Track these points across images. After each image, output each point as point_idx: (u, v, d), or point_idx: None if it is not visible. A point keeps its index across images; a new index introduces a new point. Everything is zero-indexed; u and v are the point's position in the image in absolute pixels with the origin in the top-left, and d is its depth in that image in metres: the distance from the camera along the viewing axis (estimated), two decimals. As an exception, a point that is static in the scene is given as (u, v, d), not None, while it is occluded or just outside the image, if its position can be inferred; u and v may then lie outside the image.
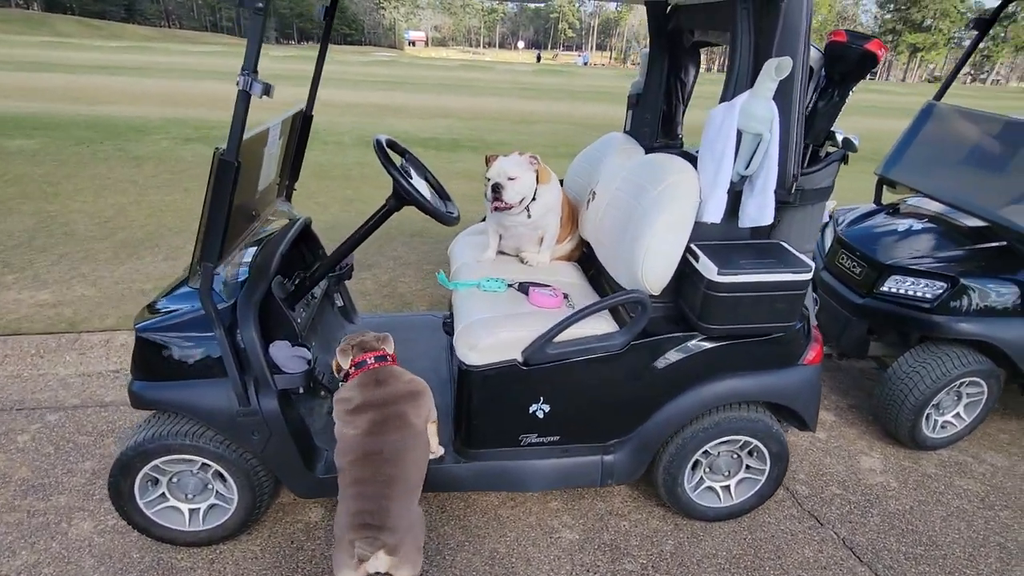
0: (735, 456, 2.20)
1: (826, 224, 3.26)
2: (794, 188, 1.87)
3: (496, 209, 2.29)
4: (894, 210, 3.19)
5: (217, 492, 2.05)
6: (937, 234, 2.84)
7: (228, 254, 1.91)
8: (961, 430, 2.68)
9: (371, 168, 7.04)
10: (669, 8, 2.38)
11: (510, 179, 2.25)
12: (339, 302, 2.89)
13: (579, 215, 2.51)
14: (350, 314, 2.94)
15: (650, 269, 1.87)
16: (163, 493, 2.04)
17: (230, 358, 1.81)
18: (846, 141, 1.97)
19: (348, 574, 1.59)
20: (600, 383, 1.97)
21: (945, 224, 2.92)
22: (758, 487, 2.21)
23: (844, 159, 2.03)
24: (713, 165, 1.82)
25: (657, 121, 2.59)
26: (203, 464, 1.99)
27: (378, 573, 1.61)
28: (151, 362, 1.90)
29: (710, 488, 2.23)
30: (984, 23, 3.16)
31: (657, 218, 1.85)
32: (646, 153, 2.41)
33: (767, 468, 2.17)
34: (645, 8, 2.48)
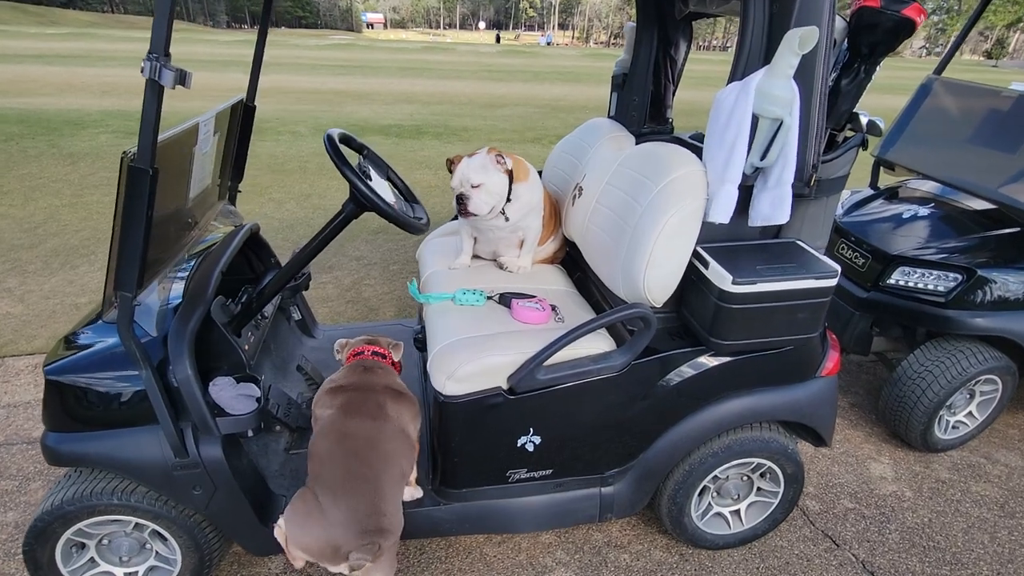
0: (745, 478, 1.99)
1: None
2: (813, 180, 1.64)
3: (462, 215, 2.02)
4: (892, 194, 3.02)
5: (157, 553, 1.75)
6: (944, 220, 2.66)
7: (152, 278, 1.59)
8: (973, 430, 2.53)
9: (329, 160, 6.65)
10: (659, -24, 2.12)
11: (474, 187, 1.97)
12: (296, 315, 2.58)
13: (562, 212, 2.24)
14: (310, 327, 2.63)
15: (653, 280, 1.63)
16: (92, 558, 1.73)
17: (160, 402, 1.51)
18: (871, 124, 1.75)
19: (297, 564, 1.50)
20: (597, 409, 1.73)
21: (950, 208, 2.75)
22: (770, 510, 2.01)
23: (863, 144, 1.80)
24: (723, 156, 1.57)
25: (646, 104, 2.33)
26: (137, 524, 1.68)
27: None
28: (66, 410, 1.58)
29: (718, 514, 2.02)
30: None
31: (661, 220, 1.60)
32: (637, 141, 2.15)
33: (780, 490, 1.97)
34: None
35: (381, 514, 1.47)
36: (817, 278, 1.59)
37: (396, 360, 1.82)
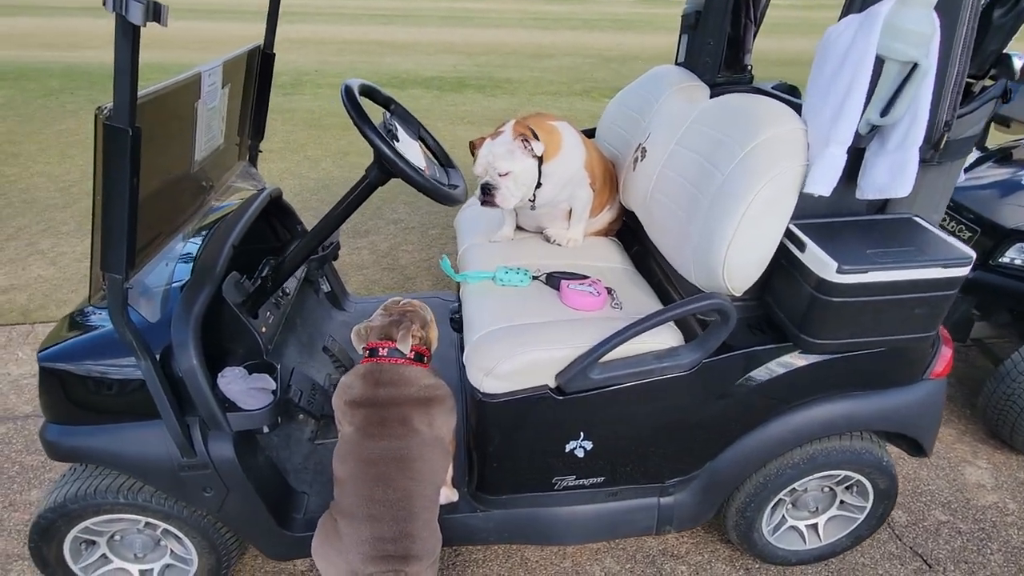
0: (827, 489, 1.72)
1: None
2: (943, 141, 1.30)
3: (484, 204, 1.78)
4: (1005, 156, 2.58)
5: (172, 552, 1.63)
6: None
7: (151, 255, 1.40)
8: (1092, 433, 2.18)
9: (369, 114, 6.37)
10: None
11: (502, 175, 1.69)
12: (324, 287, 2.39)
13: (621, 177, 1.95)
14: (340, 299, 2.44)
15: (735, 266, 1.34)
16: (103, 555, 1.61)
17: (162, 396, 1.34)
18: (1026, 71, 1.38)
19: None
20: (660, 412, 1.48)
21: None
22: (854, 526, 1.75)
23: (1004, 95, 1.44)
24: (830, 110, 1.25)
25: (722, 49, 1.97)
26: (148, 522, 1.55)
27: None
28: (63, 400, 1.43)
29: (793, 528, 1.76)
30: None
31: (748, 193, 1.30)
32: (712, 93, 1.82)
33: (868, 506, 1.70)
34: None
35: (410, 539, 1.28)
36: (944, 266, 1.27)
37: (424, 348, 1.51)
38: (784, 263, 1.39)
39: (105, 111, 1.08)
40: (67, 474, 1.52)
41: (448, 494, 1.59)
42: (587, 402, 1.44)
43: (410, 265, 3.35)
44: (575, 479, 1.56)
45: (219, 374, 1.43)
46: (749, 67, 2.08)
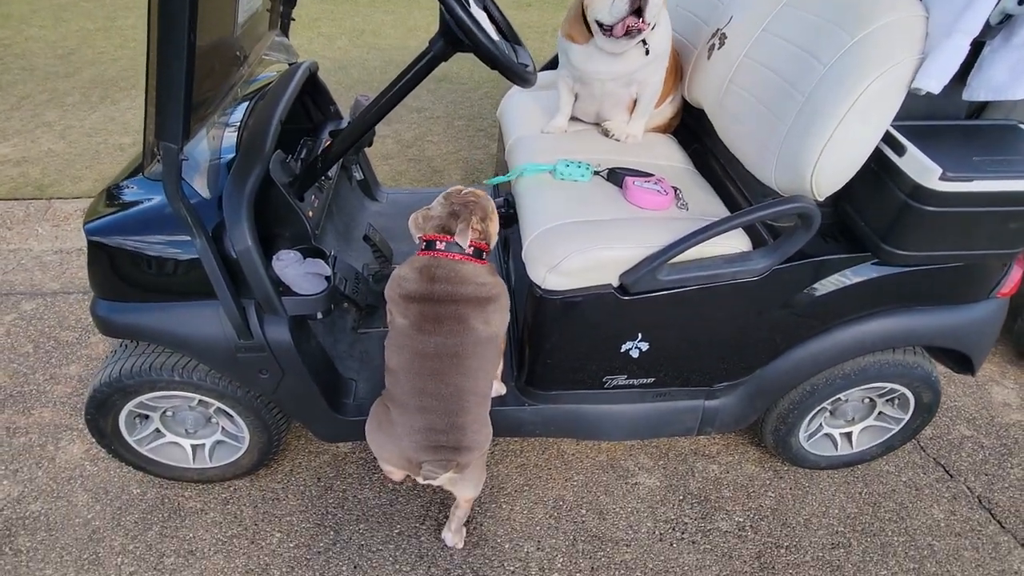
0: (867, 400, 1.74)
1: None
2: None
3: (623, 34, 1.50)
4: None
5: (223, 429, 1.66)
6: None
7: (198, 125, 1.30)
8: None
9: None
10: None
11: None
12: (358, 175, 2.29)
13: (687, 68, 1.80)
14: (372, 189, 2.35)
15: (828, 167, 1.25)
16: (157, 429, 1.64)
17: (219, 276, 1.30)
18: None
19: (395, 476, 1.42)
20: (721, 318, 1.45)
21: None
22: (887, 436, 1.79)
23: None
24: (960, -4, 1.12)
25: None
26: (201, 400, 1.56)
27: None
28: (112, 276, 1.39)
29: (827, 435, 1.81)
30: None
31: (856, 87, 1.19)
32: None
33: (907, 418, 1.73)
34: None
35: (461, 431, 1.29)
36: (1053, 179, 1.20)
37: (483, 243, 1.43)
38: (874, 167, 1.30)
39: None
40: (120, 349, 1.50)
41: (497, 387, 1.60)
42: (649, 303, 1.40)
43: (436, 157, 3.21)
44: (626, 379, 1.56)
45: (274, 257, 1.38)
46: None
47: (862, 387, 1.63)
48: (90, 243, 1.35)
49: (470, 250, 1.38)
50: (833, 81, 1.23)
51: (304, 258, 1.43)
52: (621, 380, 1.57)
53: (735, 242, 1.40)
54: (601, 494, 1.78)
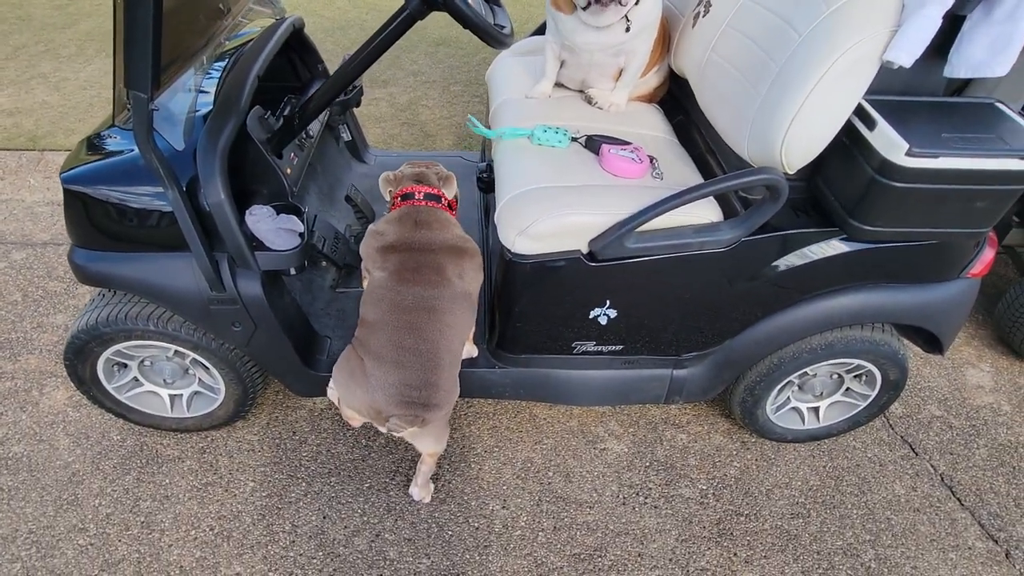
0: (835, 376, 1.76)
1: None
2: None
3: (594, 3, 1.50)
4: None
5: (200, 380, 1.69)
6: None
7: (173, 77, 1.31)
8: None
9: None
10: None
11: None
12: (345, 135, 2.29)
13: (674, 37, 1.78)
14: (360, 150, 2.35)
15: (797, 139, 1.25)
16: (135, 378, 1.68)
17: (191, 228, 1.32)
18: None
19: (354, 423, 1.45)
20: (689, 287, 1.47)
21: None
22: (854, 412, 1.81)
23: None
24: (939, -33, 1.10)
25: None
26: (177, 351, 1.59)
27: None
28: (88, 225, 1.41)
29: (794, 409, 1.83)
30: None
31: (828, 58, 1.18)
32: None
33: (873, 394, 1.75)
34: None
35: (433, 388, 1.31)
36: (1022, 158, 1.19)
37: (451, 199, 1.55)
38: (845, 141, 1.30)
39: None
40: (97, 298, 1.53)
41: (469, 349, 1.63)
42: (617, 271, 1.42)
43: (430, 121, 3.20)
44: (594, 345, 1.59)
45: (247, 211, 1.40)
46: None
47: (829, 362, 1.64)
48: (66, 191, 1.37)
49: (444, 203, 1.43)
50: (806, 52, 1.22)
51: (278, 214, 1.45)
52: (590, 346, 1.59)
53: (706, 212, 1.41)
54: (569, 458, 1.82)
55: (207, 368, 1.63)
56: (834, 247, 1.41)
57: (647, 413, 1.97)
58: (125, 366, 1.65)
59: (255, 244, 1.40)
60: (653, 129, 1.76)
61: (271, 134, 1.55)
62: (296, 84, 2.04)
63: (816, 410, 1.83)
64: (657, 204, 1.33)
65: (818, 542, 1.67)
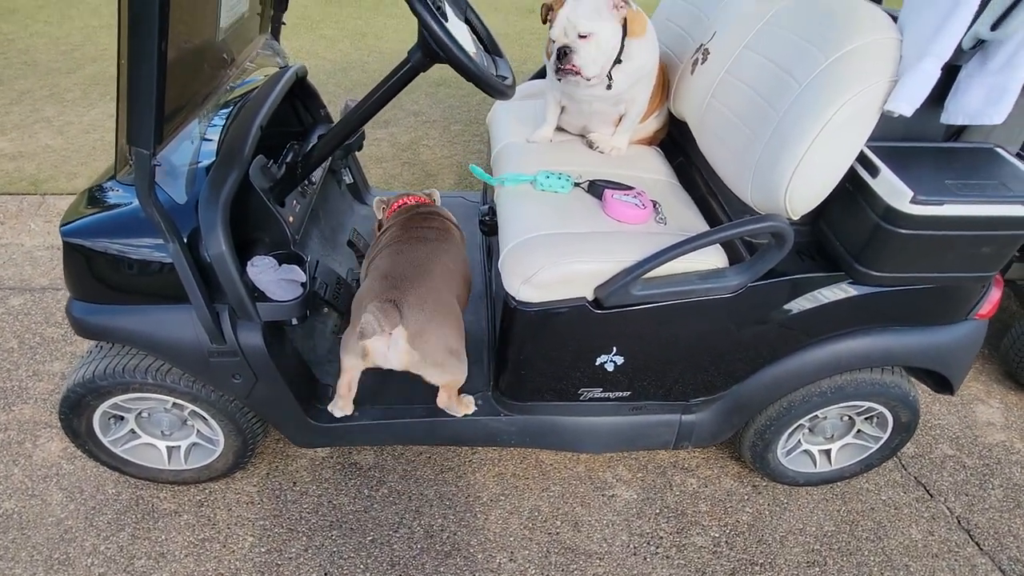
0: (846, 418, 1.74)
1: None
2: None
3: (564, 77, 1.60)
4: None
5: (198, 431, 1.66)
6: None
7: (175, 130, 1.31)
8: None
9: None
10: None
11: (582, 36, 1.52)
12: (347, 178, 2.29)
13: (673, 82, 1.80)
14: (361, 192, 2.36)
15: (801, 187, 1.25)
16: (132, 430, 1.65)
17: (192, 280, 1.30)
18: None
19: (353, 361, 1.45)
20: (696, 333, 1.45)
21: None
22: (866, 455, 1.78)
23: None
24: (934, 19, 1.12)
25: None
26: (176, 403, 1.56)
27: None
28: (87, 278, 1.39)
29: (806, 452, 1.80)
30: None
31: (829, 108, 1.18)
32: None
33: (885, 437, 1.72)
34: None
35: (408, 291, 1.39)
36: (1027, 203, 1.19)
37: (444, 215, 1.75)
38: (849, 188, 1.30)
39: None
40: (94, 350, 1.51)
41: (467, 406, 1.58)
42: (624, 318, 1.40)
43: (431, 161, 3.22)
44: (601, 391, 1.56)
45: (248, 262, 1.38)
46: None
47: (839, 405, 1.62)
48: (66, 244, 1.36)
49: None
50: (806, 101, 1.23)
51: (280, 264, 1.44)
52: (596, 393, 1.57)
53: (711, 258, 1.40)
54: (577, 505, 1.78)
55: (205, 419, 1.59)
56: (841, 291, 1.39)
57: (656, 457, 1.93)
58: (122, 418, 1.61)
59: (257, 295, 1.39)
60: (655, 172, 1.76)
61: (274, 183, 1.54)
62: (299, 129, 2.06)
63: (828, 452, 1.80)
64: (663, 251, 1.32)
65: (836, 592, 1.62)
